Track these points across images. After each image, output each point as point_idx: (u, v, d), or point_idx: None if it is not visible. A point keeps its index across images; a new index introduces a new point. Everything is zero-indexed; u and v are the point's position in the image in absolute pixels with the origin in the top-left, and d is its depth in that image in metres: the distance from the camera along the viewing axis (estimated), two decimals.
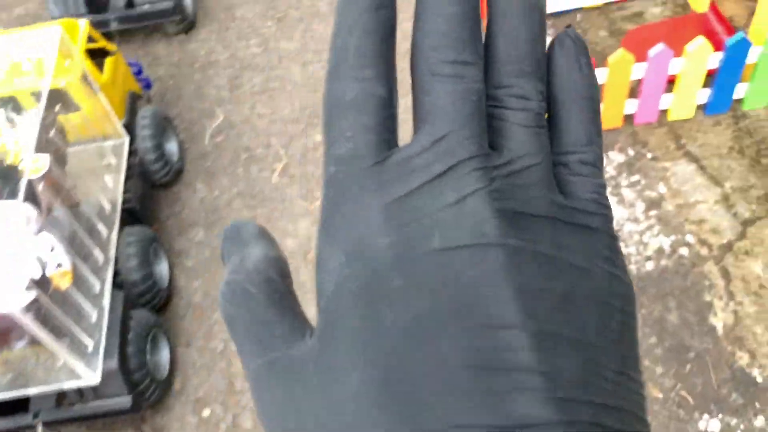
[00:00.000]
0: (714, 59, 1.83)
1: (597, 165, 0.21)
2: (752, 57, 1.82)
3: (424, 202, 0.18)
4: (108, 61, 1.96)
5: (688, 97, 1.92)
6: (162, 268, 1.84)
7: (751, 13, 2.12)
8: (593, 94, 0.21)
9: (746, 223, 1.78)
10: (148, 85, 2.24)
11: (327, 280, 0.19)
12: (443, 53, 0.19)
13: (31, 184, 1.41)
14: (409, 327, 0.18)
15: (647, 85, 1.86)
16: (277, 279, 0.22)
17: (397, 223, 0.18)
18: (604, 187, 0.21)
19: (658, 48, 1.76)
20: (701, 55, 1.78)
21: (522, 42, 0.20)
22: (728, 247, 1.75)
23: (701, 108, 1.97)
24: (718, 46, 1.96)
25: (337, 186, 0.19)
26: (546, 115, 0.21)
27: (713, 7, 2.14)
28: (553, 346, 0.17)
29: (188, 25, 2.56)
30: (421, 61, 0.20)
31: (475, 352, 0.17)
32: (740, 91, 1.93)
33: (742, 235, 1.76)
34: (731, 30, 2.06)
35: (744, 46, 1.78)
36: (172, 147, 2.09)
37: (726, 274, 1.71)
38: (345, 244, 0.19)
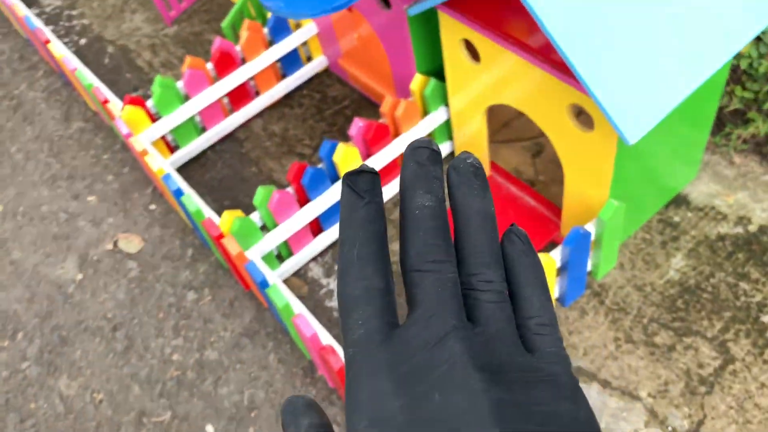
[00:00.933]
0: (556, 254, 1.42)
1: (553, 324, 0.27)
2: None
3: (424, 368, 0.23)
4: None
5: None
6: None
7: (534, 154, 1.78)
8: (540, 273, 0.28)
9: None
10: None
11: None
12: (425, 256, 0.25)
13: None
14: None
15: None
16: None
17: (405, 388, 0.23)
18: (561, 340, 0.26)
19: None
20: (547, 269, 1.35)
21: (482, 242, 0.27)
22: None
23: (557, 302, 1.56)
24: (519, 205, 1.56)
25: (356, 365, 0.24)
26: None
27: (495, 167, 1.75)
28: None
29: None
30: (409, 263, 0.26)
31: None
32: (588, 264, 1.55)
33: None
34: (522, 185, 1.69)
35: (585, 238, 1.39)
36: None
37: None
38: (367, 410, 0.23)
